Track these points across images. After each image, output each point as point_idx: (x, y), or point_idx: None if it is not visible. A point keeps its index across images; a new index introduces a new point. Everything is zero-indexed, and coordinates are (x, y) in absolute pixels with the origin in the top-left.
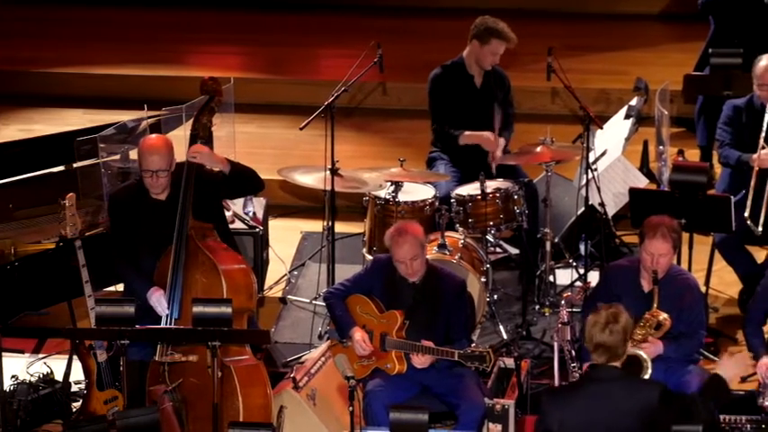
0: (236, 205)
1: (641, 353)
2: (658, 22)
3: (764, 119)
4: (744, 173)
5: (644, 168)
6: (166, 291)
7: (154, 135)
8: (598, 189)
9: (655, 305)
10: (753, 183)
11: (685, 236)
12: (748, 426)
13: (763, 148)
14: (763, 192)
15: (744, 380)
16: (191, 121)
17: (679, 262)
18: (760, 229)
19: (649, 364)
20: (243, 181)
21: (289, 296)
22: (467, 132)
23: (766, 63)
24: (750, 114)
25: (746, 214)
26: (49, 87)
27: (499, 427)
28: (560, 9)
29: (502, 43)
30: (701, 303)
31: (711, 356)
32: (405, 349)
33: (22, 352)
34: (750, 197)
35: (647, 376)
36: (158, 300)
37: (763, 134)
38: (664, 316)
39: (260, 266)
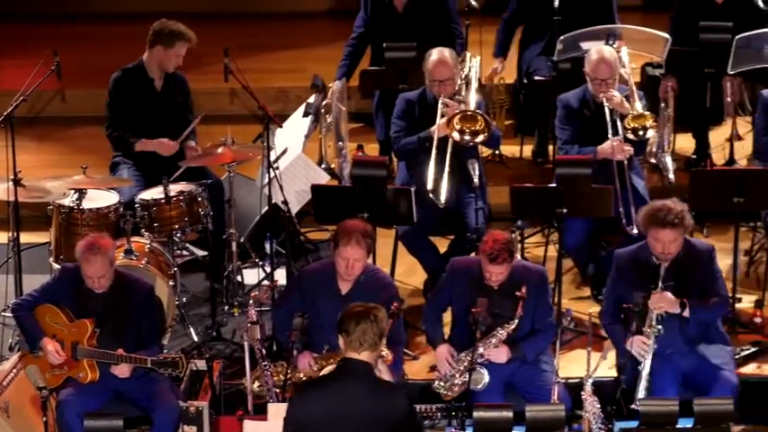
0: None
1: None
2: (328, 19)
3: (438, 111)
4: (421, 162)
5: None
6: None
7: None
8: (281, 187)
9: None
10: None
11: None
12: (438, 414)
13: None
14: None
15: (433, 369)
16: None
17: None
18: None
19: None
20: None
21: None
22: (143, 140)
23: (437, 57)
24: (422, 108)
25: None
26: None
27: (194, 428)
28: (232, 10)
29: (185, 45)
30: (397, 297)
31: (409, 353)
32: (96, 357)
33: None
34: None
35: None
36: None
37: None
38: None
39: None
